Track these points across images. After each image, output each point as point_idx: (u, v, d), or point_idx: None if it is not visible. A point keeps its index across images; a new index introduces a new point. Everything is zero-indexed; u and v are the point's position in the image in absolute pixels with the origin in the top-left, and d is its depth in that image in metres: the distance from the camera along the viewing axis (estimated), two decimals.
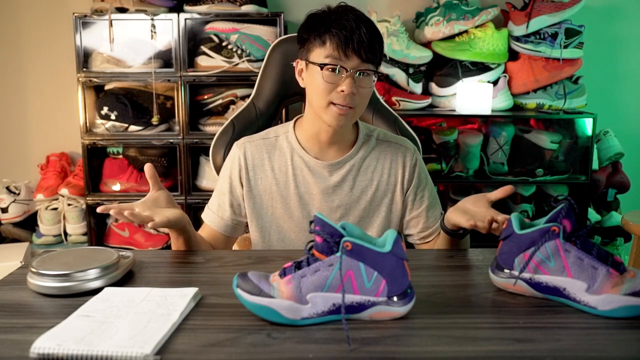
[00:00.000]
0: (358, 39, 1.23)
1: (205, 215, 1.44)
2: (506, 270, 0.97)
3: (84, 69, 2.48)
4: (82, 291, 0.99)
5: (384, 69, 2.47)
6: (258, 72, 1.68)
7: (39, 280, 0.99)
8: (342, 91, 1.24)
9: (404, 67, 2.49)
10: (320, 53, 1.26)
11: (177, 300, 0.93)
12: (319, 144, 1.38)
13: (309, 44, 1.29)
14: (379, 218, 1.40)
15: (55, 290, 0.98)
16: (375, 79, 1.30)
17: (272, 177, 1.39)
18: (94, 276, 1.01)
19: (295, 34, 1.38)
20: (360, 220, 1.39)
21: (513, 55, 2.57)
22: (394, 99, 2.47)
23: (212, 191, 1.47)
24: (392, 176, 1.41)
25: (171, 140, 2.51)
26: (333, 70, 1.24)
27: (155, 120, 2.49)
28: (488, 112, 2.45)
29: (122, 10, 2.40)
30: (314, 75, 1.28)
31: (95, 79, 2.49)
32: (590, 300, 0.90)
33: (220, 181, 1.44)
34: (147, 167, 1.23)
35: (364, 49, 1.24)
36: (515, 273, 0.96)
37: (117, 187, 2.58)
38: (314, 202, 1.38)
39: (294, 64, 1.36)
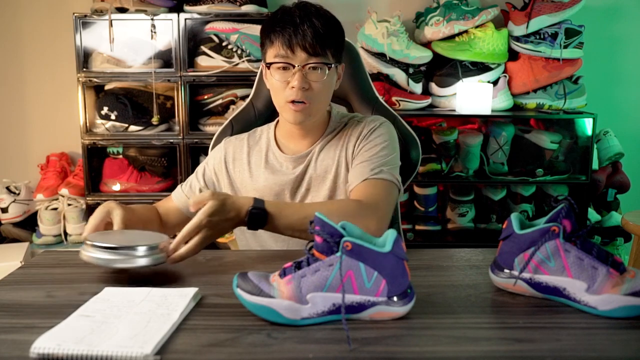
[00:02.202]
0: (302, 33, 1.24)
1: (174, 191, 1.45)
2: (506, 270, 0.97)
3: (84, 69, 2.48)
4: (132, 267, 1.03)
5: (384, 68, 2.47)
6: (258, 72, 1.68)
7: (95, 253, 1.03)
8: (293, 87, 1.26)
9: (404, 67, 2.49)
10: (272, 53, 1.29)
11: (177, 300, 0.93)
12: (293, 139, 1.41)
13: (263, 46, 1.33)
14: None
15: (109, 262, 1.02)
16: (330, 71, 1.29)
17: (248, 171, 1.41)
18: (143, 254, 1.04)
19: None
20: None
21: (513, 55, 2.56)
22: (394, 99, 2.46)
23: None
24: (355, 149, 1.36)
25: (171, 140, 2.51)
26: (284, 68, 1.27)
27: (155, 120, 2.49)
28: (488, 112, 2.45)
29: (122, 10, 2.40)
30: (269, 76, 1.31)
31: (95, 79, 2.49)
32: (590, 300, 0.90)
33: (199, 166, 1.47)
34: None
35: (309, 44, 1.25)
36: (515, 273, 0.96)
37: (117, 187, 2.58)
38: (285, 193, 1.38)
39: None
